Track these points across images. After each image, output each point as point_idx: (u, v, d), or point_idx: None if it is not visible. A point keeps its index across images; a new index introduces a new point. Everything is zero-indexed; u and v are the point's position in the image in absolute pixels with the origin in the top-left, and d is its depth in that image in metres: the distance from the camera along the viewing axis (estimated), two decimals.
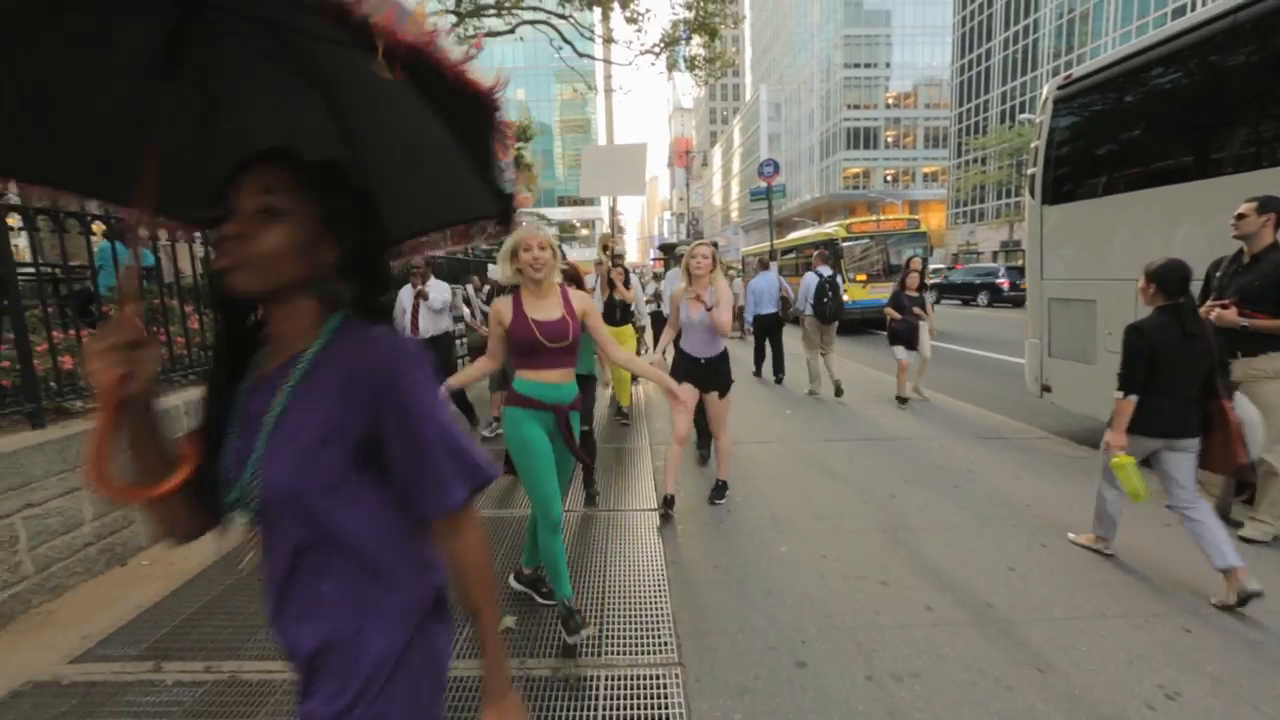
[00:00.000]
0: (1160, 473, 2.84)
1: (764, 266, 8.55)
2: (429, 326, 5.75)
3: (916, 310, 6.83)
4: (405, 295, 5.76)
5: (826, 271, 7.44)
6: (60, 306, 4.38)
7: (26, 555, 2.87)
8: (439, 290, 5.88)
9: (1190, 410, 2.76)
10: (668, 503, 3.83)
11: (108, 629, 2.71)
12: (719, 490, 4.11)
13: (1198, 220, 4.01)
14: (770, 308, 8.10)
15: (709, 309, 3.72)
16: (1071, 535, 3.33)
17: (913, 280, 6.98)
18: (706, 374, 3.89)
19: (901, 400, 6.75)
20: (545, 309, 2.44)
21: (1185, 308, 2.74)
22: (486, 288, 7.31)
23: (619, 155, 6.73)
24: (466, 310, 6.62)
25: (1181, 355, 2.71)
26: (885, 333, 7.24)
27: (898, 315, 6.84)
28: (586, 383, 4.12)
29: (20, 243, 6.48)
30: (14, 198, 3.33)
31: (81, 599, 3.01)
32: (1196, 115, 4.15)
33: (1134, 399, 2.77)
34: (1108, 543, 3.14)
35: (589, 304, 2.60)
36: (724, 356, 3.91)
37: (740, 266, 21.40)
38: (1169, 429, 2.77)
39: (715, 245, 4.02)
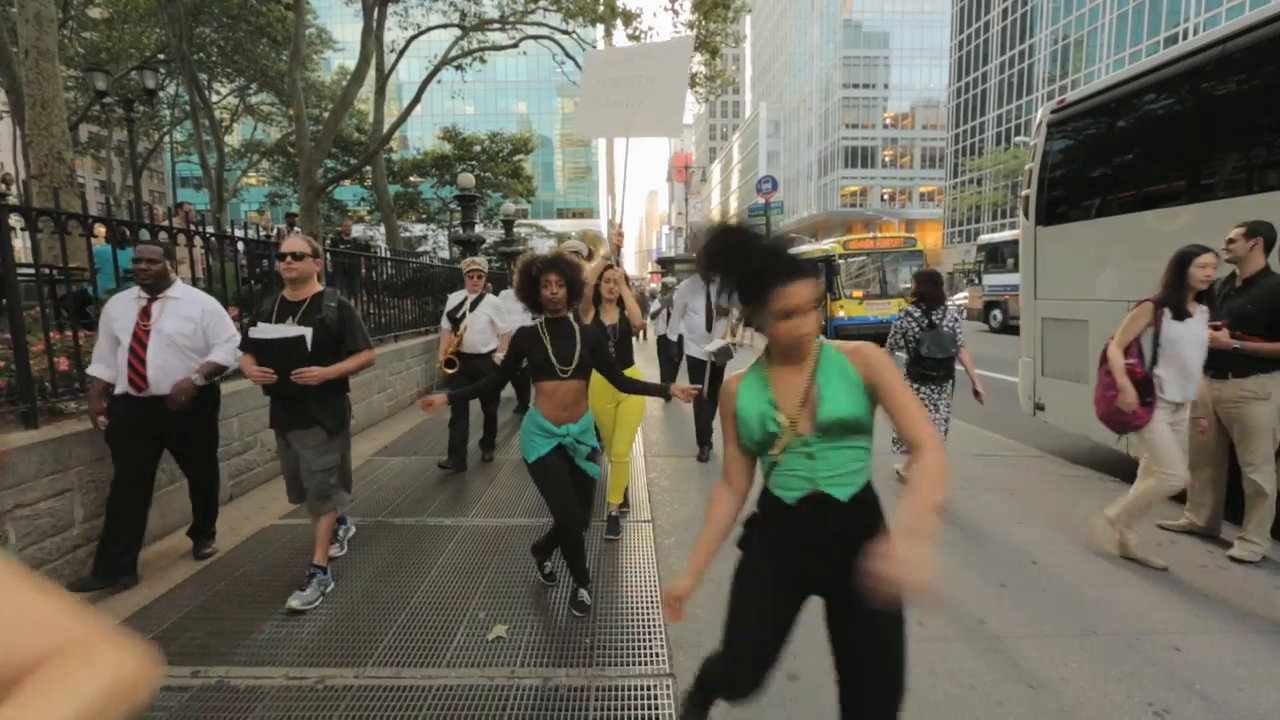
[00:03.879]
0: None
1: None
2: (166, 368, 3.10)
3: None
4: (120, 308, 3.14)
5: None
6: (57, 308, 4.38)
7: (15, 556, 2.85)
8: (191, 305, 3.23)
9: None
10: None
11: None
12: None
13: (1191, 243, 4.05)
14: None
15: None
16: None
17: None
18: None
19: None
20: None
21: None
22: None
23: (643, 65, 3.96)
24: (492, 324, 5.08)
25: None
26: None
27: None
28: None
29: (19, 243, 6.50)
30: (14, 199, 3.35)
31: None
32: (1187, 141, 4.23)
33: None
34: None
35: None
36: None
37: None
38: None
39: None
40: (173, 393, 3.12)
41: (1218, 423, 3.41)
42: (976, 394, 4.18)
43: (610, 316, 3.78)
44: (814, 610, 1.56)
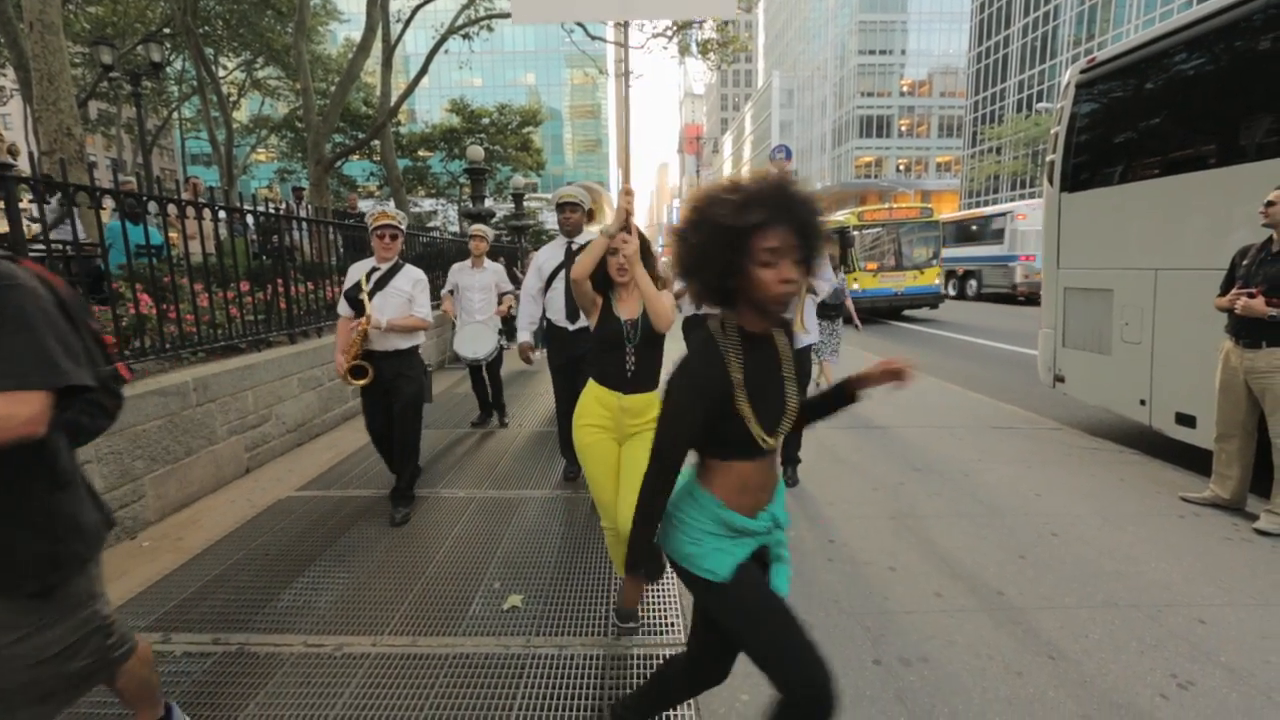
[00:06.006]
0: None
1: None
2: None
3: None
4: None
5: None
6: (71, 284, 4.39)
7: None
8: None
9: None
10: None
11: (118, 600, 2.72)
12: None
13: (1222, 208, 3.91)
14: None
15: None
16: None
17: None
18: None
19: None
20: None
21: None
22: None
23: None
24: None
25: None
26: (896, 323, 7.15)
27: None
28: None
29: (36, 227, 6.52)
30: (24, 169, 3.33)
31: None
32: (1224, 101, 4.04)
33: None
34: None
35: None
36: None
37: None
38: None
39: None
40: None
41: (1248, 393, 3.31)
42: (857, 326, 7.22)
43: (628, 309, 2.42)
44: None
